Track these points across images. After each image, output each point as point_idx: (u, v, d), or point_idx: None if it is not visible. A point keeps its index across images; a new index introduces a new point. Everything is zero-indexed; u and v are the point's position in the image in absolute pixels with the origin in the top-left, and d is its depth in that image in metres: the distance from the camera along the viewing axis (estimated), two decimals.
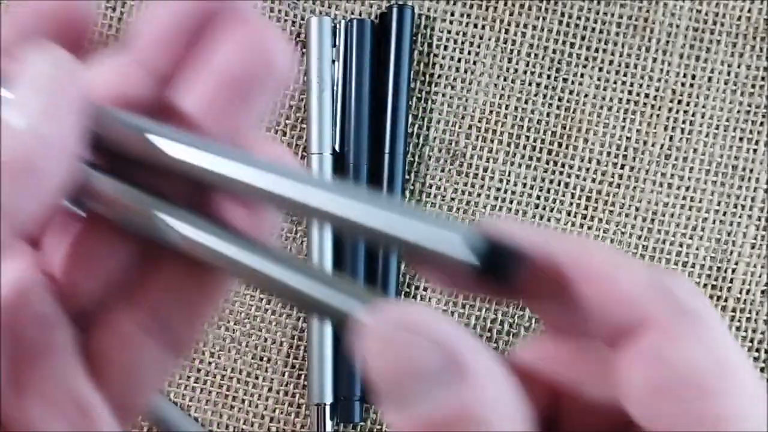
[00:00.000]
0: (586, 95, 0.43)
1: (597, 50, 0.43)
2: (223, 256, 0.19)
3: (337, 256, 0.42)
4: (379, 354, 0.17)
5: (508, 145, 0.43)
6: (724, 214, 0.42)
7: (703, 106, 0.42)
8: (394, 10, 0.42)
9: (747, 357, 0.18)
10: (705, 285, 0.42)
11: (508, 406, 0.17)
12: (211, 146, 0.19)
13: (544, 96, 0.43)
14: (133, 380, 0.20)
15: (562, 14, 0.43)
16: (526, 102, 0.43)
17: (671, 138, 0.43)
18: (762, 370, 0.42)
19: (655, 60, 0.43)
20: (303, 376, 0.42)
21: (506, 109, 0.43)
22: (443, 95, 0.43)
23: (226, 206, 0.20)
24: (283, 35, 0.20)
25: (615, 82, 0.43)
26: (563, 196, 0.42)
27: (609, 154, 0.43)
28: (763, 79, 0.42)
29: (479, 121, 0.43)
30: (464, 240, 0.17)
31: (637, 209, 0.42)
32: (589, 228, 0.42)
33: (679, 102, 0.43)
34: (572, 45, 0.43)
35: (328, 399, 0.41)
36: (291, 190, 0.18)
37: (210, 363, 0.42)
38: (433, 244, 0.17)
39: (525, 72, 0.43)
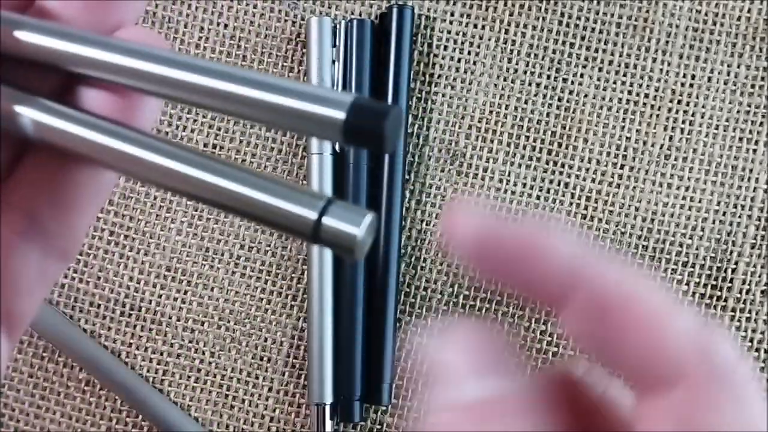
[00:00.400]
0: (585, 95, 0.43)
1: (597, 50, 0.43)
2: (87, 143, 0.18)
3: (337, 258, 0.42)
4: None
5: (508, 145, 0.43)
6: (724, 214, 0.42)
7: (703, 106, 0.43)
8: (394, 10, 0.42)
9: None
10: (705, 285, 0.42)
11: None
12: (77, 33, 0.18)
13: (544, 96, 0.43)
14: (14, 287, 0.20)
15: (562, 14, 0.43)
16: (525, 102, 0.43)
17: (671, 138, 0.43)
18: (762, 369, 0.42)
19: (654, 60, 0.43)
20: (303, 376, 0.42)
21: (506, 109, 0.43)
22: (443, 95, 0.43)
23: (97, 97, 0.19)
24: None
25: (615, 83, 0.43)
26: (563, 196, 0.42)
27: (609, 154, 0.43)
28: (762, 79, 0.42)
29: (479, 121, 0.43)
30: (332, 100, 0.17)
31: (636, 209, 0.42)
32: (589, 228, 0.42)
33: (679, 102, 0.43)
34: (572, 45, 0.43)
35: (328, 399, 0.41)
36: (165, 69, 0.18)
37: (210, 363, 0.42)
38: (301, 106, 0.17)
39: (525, 72, 0.43)
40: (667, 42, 0.43)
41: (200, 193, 0.18)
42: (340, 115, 0.17)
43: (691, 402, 0.17)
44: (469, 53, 0.43)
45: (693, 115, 0.43)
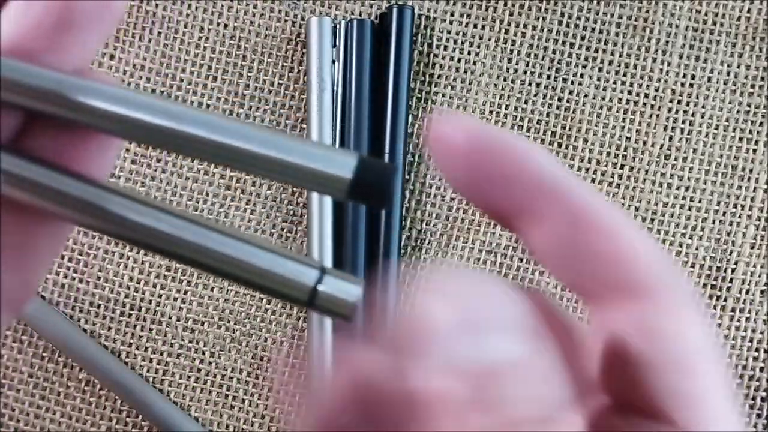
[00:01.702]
0: (585, 95, 0.43)
1: (597, 50, 0.43)
2: (39, 188, 0.17)
3: (337, 258, 0.42)
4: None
5: None
6: (724, 214, 0.42)
7: (703, 106, 0.42)
8: (394, 10, 0.42)
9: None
10: (704, 285, 0.42)
11: None
12: (36, 68, 0.17)
13: (544, 96, 0.43)
14: None
15: (562, 14, 0.43)
16: (525, 102, 0.43)
17: (671, 138, 0.42)
18: (761, 369, 0.42)
19: (654, 60, 0.43)
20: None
21: (506, 109, 0.43)
22: (443, 95, 0.43)
23: (52, 141, 0.18)
24: None
25: (615, 83, 0.43)
26: None
27: (608, 154, 0.43)
28: (762, 79, 0.42)
29: None
30: (339, 159, 0.17)
31: (636, 209, 0.42)
32: None
33: (679, 102, 0.43)
34: (572, 45, 0.43)
35: None
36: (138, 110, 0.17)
37: (210, 363, 0.42)
38: (305, 162, 0.17)
39: (525, 72, 0.43)
40: (667, 42, 0.43)
41: (196, 258, 0.18)
42: (347, 174, 0.17)
43: (657, 313, 0.18)
44: (469, 53, 0.43)
45: (693, 115, 0.43)
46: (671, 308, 0.18)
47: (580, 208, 0.18)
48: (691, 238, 0.42)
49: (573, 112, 0.43)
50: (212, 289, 0.42)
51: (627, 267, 0.18)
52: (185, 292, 0.42)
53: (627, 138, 0.42)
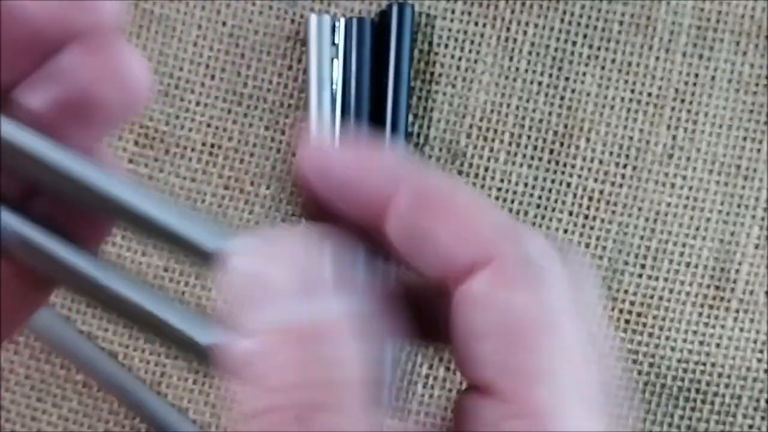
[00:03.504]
0: (588, 94, 0.42)
1: (599, 49, 0.43)
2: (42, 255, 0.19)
3: None
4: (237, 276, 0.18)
5: (510, 144, 0.42)
6: (728, 214, 0.42)
7: (707, 105, 0.42)
8: (394, 8, 0.42)
9: (585, 324, 0.18)
10: (708, 285, 0.42)
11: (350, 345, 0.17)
12: (46, 143, 0.18)
13: (546, 95, 0.42)
14: None
15: (564, 12, 0.43)
16: (527, 101, 0.42)
17: (674, 137, 0.42)
18: (766, 371, 0.42)
19: (657, 58, 0.42)
20: None
21: (507, 108, 0.43)
22: (444, 94, 0.43)
23: (58, 212, 0.20)
24: (143, 63, 0.20)
25: (617, 81, 0.42)
26: (565, 195, 0.42)
27: (611, 153, 0.42)
28: (767, 77, 0.42)
29: (480, 121, 0.42)
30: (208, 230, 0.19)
31: (639, 209, 0.42)
32: (592, 228, 0.42)
33: (682, 101, 0.42)
34: (574, 43, 0.43)
35: None
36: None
37: None
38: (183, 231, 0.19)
39: (526, 71, 0.43)
40: (671, 40, 0.42)
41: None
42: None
43: (493, 281, 0.18)
44: (470, 51, 0.43)
45: (696, 113, 0.42)
46: (508, 278, 0.18)
47: (421, 190, 0.19)
48: (694, 238, 0.42)
49: (575, 111, 0.42)
50: (210, 290, 0.42)
51: (466, 239, 0.18)
52: (183, 293, 0.42)
53: (630, 137, 0.42)
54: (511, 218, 0.19)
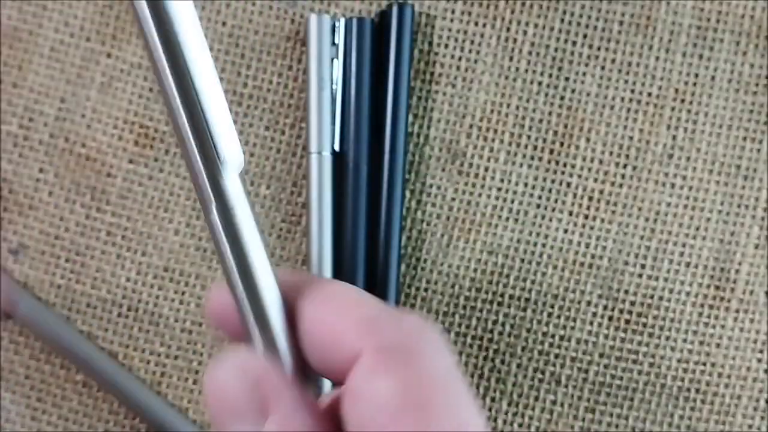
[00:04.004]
0: (588, 94, 0.42)
1: (599, 49, 0.43)
2: None
3: (337, 258, 0.41)
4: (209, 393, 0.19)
5: (510, 144, 0.42)
6: (728, 214, 0.42)
7: (706, 105, 0.42)
8: (394, 8, 0.42)
9: (458, 391, 0.18)
10: (708, 285, 0.42)
11: None
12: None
13: (546, 95, 0.42)
14: None
15: (564, 12, 0.43)
16: (527, 101, 0.42)
17: (674, 137, 0.42)
18: (766, 371, 0.42)
19: (657, 58, 0.42)
20: None
21: (507, 108, 0.42)
22: (444, 94, 0.43)
23: None
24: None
25: (617, 81, 0.42)
26: (565, 196, 0.42)
27: (611, 153, 0.42)
28: (766, 77, 0.42)
29: (480, 121, 0.42)
30: None
31: (639, 209, 0.42)
32: (592, 228, 0.42)
33: (682, 101, 0.42)
34: (574, 43, 0.43)
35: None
36: None
37: (208, 364, 0.42)
38: None
39: (526, 71, 0.43)
40: (670, 40, 0.42)
41: None
42: None
43: (359, 373, 0.18)
44: (470, 51, 0.43)
45: (696, 114, 0.42)
46: (371, 367, 0.18)
47: (296, 303, 0.20)
48: (694, 238, 0.42)
49: (575, 111, 0.42)
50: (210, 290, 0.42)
51: (340, 339, 0.19)
52: (183, 293, 0.42)
53: (630, 137, 0.42)
54: (384, 307, 0.19)
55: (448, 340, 0.19)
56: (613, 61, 0.42)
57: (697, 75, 0.42)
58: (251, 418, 0.18)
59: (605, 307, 0.42)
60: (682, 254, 0.42)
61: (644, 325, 0.42)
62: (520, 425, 0.41)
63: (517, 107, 0.42)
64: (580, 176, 0.42)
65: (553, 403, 0.41)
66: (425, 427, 0.17)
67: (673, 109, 0.42)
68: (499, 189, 0.42)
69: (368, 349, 0.18)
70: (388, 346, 0.18)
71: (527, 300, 0.42)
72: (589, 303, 0.42)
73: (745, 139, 0.42)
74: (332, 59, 0.42)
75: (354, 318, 0.19)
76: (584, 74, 0.42)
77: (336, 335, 0.19)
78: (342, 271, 0.41)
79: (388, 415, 0.17)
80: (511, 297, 0.42)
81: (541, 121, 0.42)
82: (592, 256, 0.42)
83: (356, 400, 0.18)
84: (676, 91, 0.42)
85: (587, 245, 0.42)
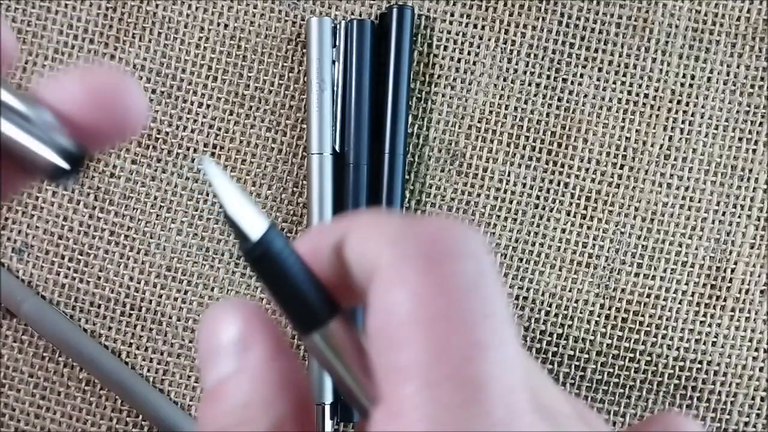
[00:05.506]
0: (585, 95, 0.43)
1: (596, 50, 0.43)
2: None
3: None
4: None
5: (508, 145, 0.43)
6: (724, 214, 0.42)
7: (703, 107, 0.42)
8: (394, 10, 0.42)
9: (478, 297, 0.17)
10: (704, 285, 0.42)
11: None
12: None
13: (544, 96, 0.43)
14: None
15: (562, 15, 0.43)
16: (525, 102, 0.43)
17: (670, 138, 0.42)
18: (761, 369, 0.42)
19: (654, 60, 0.43)
20: None
21: (506, 109, 0.43)
22: (443, 95, 0.43)
23: None
24: (139, 89, 0.20)
25: (614, 83, 0.43)
26: (563, 196, 0.42)
27: (608, 154, 0.42)
28: (762, 79, 0.42)
29: (479, 122, 0.43)
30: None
31: (636, 209, 0.42)
32: (589, 228, 0.42)
33: (679, 102, 0.43)
34: (572, 45, 0.43)
35: (328, 399, 0.41)
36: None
37: None
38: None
39: (525, 72, 0.43)
40: (667, 42, 0.43)
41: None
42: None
43: (375, 285, 0.17)
44: (469, 53, 0.43)
45: (692, 115, 0.42)
46: (386, 279, 0.17)
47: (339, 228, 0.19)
48: (690, 238, 0.42)
49: (573, 112, 0.43)
50: (212, 289, 0.42)
51: (363, 255, 0.18)
52: (185, 292, 0.42)
53: (627, 138, 0.42)
54: (411, 218, 0.18)
55: (482, 240, 0.17)
56: (611, 62, 0.43)
57: (693, 76, 0.43)
58: (232, 354, 0.18)
59: (602, 306, 0.42)
60: (678, 253, 0.42)
61: (641, 323, 0.42)
62: None
63: (516, 108, 0.43)
64: (577, 176, 0.42)
65: None
66: (439, 341, 0.16)
67: (669, 110, 0.43)
68: (498, 189, 0.42)
69: (387, 259, 0.17)
70: (408, 254, 0.17)
71: (525, 299, 0.42)
72: (586, 302, 0.42)
73: (740, 139, 0.42)
74: (333, 61, 0.42)
75: (378, 234, 0.18)
76: (582, 76, 0.43)
77: (364, 255, 0.18)
78: None
79: (400, 328, 0.16)
80: (509, 296, 0.42)
81: (539, 122, 0.43)
82: (590, 256, 0.42)
83: (372, 314, 0.17)
84: (673, 92, 0.43)
85: (584, 245, 0.42)
